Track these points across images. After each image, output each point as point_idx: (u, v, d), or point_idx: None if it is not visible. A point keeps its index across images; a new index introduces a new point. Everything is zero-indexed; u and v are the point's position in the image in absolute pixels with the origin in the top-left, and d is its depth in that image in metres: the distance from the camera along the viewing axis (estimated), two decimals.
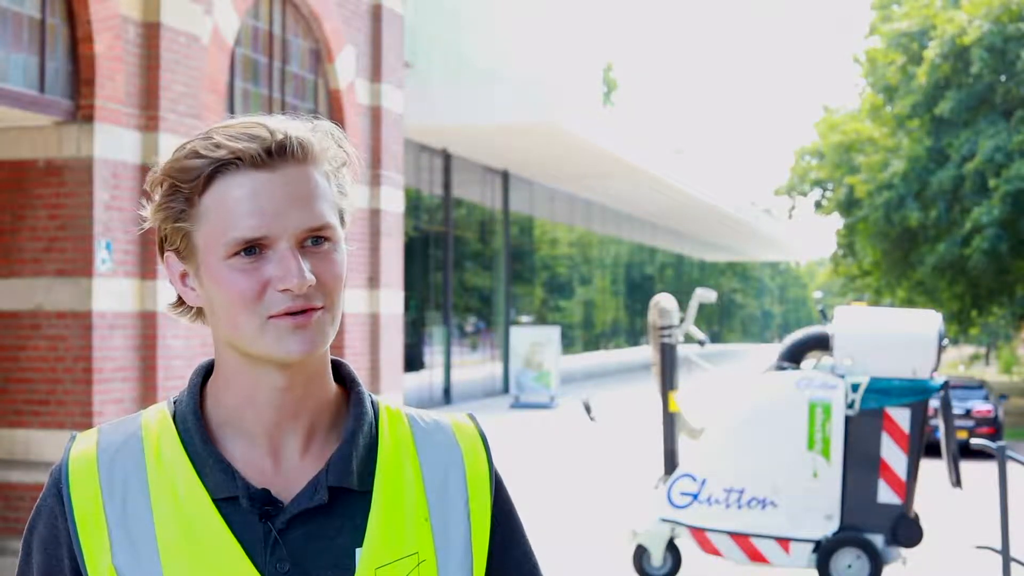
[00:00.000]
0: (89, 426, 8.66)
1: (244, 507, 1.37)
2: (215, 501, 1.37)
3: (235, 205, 1.34)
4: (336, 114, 12.61)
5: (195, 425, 1.41)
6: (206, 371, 1.47)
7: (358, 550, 1.38)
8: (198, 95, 9.95)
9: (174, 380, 9.44)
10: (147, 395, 9.24)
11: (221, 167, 1.35)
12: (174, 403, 1.46)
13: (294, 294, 1.34)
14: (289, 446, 1.42)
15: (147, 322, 9.29)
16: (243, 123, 1.38)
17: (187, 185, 1.36)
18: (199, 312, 1.45)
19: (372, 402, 1.49)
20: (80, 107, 8.90)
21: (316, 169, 1.38)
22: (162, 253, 1.43)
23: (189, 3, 9.86)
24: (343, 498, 1.40)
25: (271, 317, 1.34)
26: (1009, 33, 23.10)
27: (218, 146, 1.35)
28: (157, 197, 1.40)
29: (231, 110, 10.89)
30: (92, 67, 8.88)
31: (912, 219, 24.54)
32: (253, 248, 1.35)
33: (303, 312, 1.35)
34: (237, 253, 1.35)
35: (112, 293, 9.01)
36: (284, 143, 1.36)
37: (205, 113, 10.04)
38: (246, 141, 1.35)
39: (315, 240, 1.37)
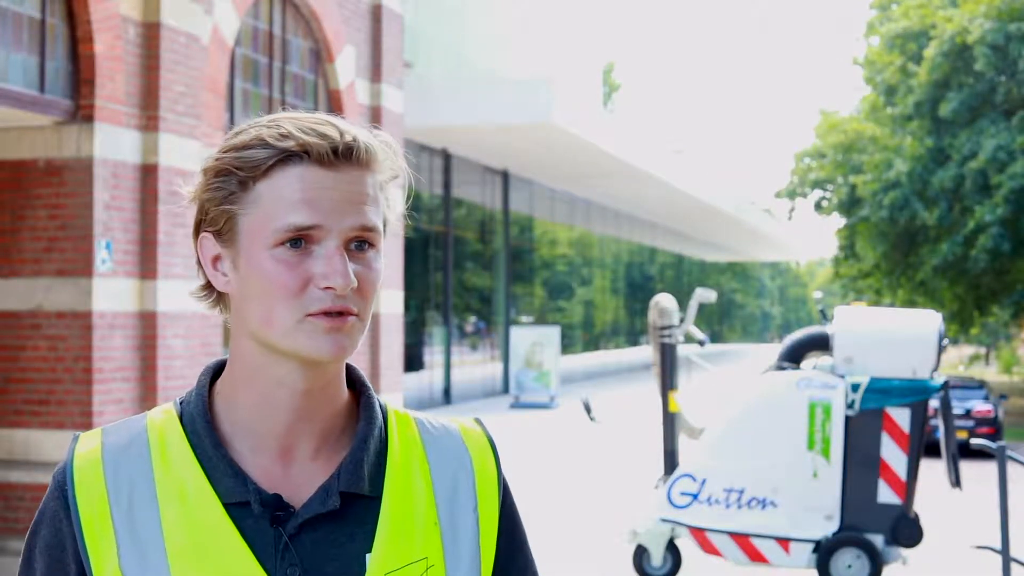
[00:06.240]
0: (89, 426, 8.67)
1: (255, 512, 1.35)
2: (225, 506, 1.35)
3: (291, 195, 1.33)
4: (336, 114, 12.59)
5: (205, 428, 1.39)
6: (215, 371, 1.45)
7: (368, 555, 1.37)
8: (198, 95, 9.95)
9: (174, 380, 9.44)
10: (147, 395, 9.24)
11: (285, 158, 1.34)
12: (180, 403, 1.43)
13: (336, 294, 1.33)
14: (300, 449, 1.40)
15: (147, 322, 9.29)
16: (313, 118, 1.39)
17: (246, 171, 1.35)
18: (220, 299, 1.43)
19: (381, 406, 1.48)
20: (80, 107, 8.90)
21: (372, 176, 1.39)
22: (197, 234, 1.41)
23: (189, 3, 9.86)
24: (353, 503, 1.39)
25: (309, 315, 1.33)
26: (1011, 32, 23.08)
27: (286, 136, 1.35)
28: (206, 178, 1.38)
29: (231, 110, 10.90)
30: (92, 67, 8.88)
31: (919, 216, 24.55)
32: (299, 241, 1.33)
33: (340, 315, 1.34)
34: (283, 243, 1.33)
35: (112, 293, 9.01)
36: (352, 146, 1.37)
37: (205, 113, 10.04)
38: (316, 137, 1.35)
39: (359, 245, 1.36)
